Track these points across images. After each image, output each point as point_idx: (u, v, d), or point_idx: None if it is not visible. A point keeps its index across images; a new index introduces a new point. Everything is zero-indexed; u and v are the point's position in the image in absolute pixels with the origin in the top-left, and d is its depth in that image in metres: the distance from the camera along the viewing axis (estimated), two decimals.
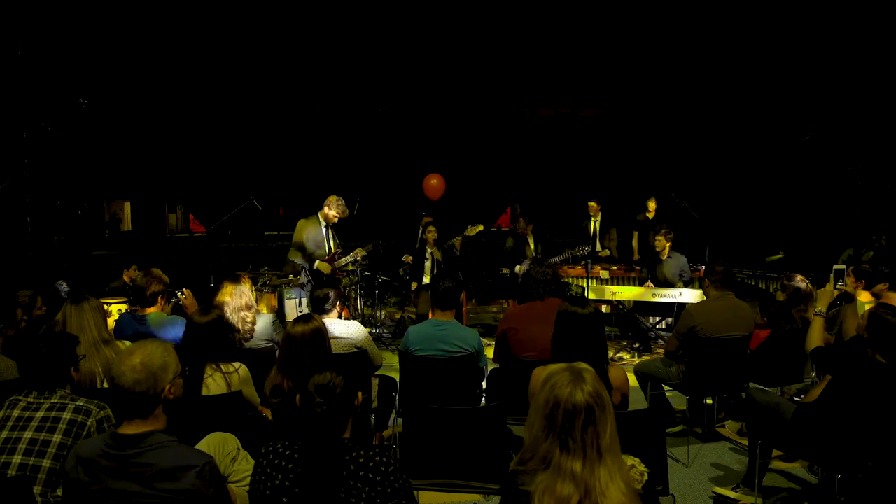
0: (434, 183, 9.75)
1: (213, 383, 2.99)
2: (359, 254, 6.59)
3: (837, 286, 3.33)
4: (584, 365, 1.78)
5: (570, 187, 10.55)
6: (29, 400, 2.35)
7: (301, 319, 3.06)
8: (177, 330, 3.93)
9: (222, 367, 3.06)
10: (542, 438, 1.69)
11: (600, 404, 1.68)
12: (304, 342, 2.96)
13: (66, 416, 2.29)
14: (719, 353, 4.01)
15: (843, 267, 3.44)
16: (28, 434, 2.23)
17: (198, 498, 1.84)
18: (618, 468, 1.67)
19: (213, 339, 3.10)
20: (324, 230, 6.39)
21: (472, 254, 8.37)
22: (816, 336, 3.27)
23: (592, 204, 8.10)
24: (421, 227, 7.72)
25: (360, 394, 2.02)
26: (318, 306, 3.89)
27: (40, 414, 2.29)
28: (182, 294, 4.31)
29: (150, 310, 4.00)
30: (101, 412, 2.35)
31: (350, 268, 6.71)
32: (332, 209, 6.33)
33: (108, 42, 8.08)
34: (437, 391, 3.53)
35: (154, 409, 1.93)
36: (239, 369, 3.11)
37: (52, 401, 2.34)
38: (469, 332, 3.70)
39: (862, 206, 8.35)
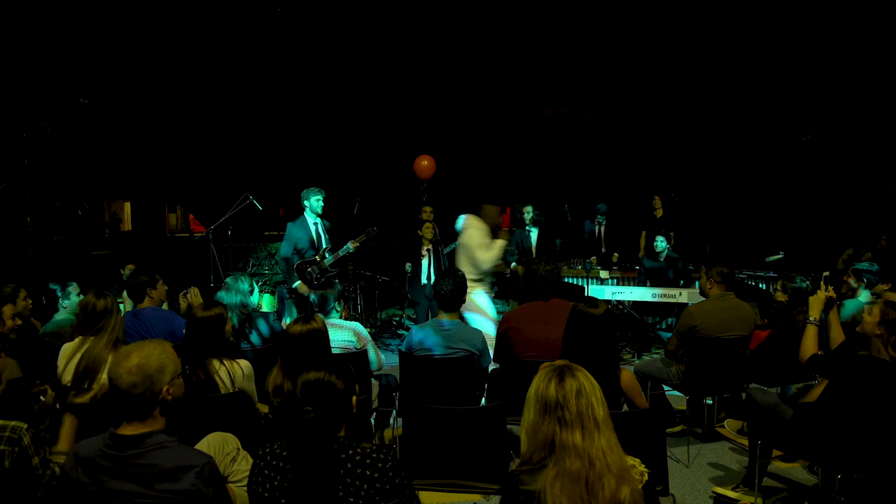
0: (425, 164, 9.63)
1: (219, 380, 3.00)
2: (351, 246, 6.05)
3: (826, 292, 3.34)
4: (574, 366, 1.83)
5: (570, 187, 10.55)
6: None
7: (301, 319, 3.05)
8: (171, 324, 3.99)
9: (226, 363, 3.06)
10: (540, 423, 1.73)
11: (589, 384, 1.76)
12: (302, 342, 2.93)
13: None
14: (719, 353, 4.01)
15: (828, 273, 3.44)
16: None
17: (198, 498, 1.83)
18: (615, 442, 1.73)
19: (214, 334, 3.09)
20: (312, 228, 6.05)
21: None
22: (810, 344, 3.25)
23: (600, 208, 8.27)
24: (420, 232, 7.71)
25: (354, 398, 1.97)
26: (322, 306, 3.89)
27: None
28: (188, 294, 4.35)
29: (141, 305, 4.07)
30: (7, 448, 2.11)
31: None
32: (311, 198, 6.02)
33: (108, 42, 8.07)
34: (437, 391, 3.53)
35: (152, 410, 1.92)
36: (243, 366, 3.12)
37: None
38: (473, 331, 3.70)
39: (862, 206, 8.34)
